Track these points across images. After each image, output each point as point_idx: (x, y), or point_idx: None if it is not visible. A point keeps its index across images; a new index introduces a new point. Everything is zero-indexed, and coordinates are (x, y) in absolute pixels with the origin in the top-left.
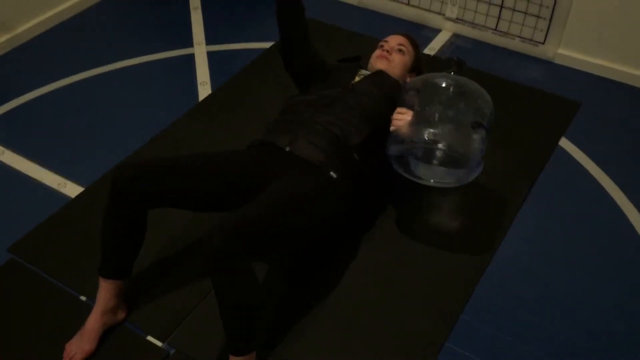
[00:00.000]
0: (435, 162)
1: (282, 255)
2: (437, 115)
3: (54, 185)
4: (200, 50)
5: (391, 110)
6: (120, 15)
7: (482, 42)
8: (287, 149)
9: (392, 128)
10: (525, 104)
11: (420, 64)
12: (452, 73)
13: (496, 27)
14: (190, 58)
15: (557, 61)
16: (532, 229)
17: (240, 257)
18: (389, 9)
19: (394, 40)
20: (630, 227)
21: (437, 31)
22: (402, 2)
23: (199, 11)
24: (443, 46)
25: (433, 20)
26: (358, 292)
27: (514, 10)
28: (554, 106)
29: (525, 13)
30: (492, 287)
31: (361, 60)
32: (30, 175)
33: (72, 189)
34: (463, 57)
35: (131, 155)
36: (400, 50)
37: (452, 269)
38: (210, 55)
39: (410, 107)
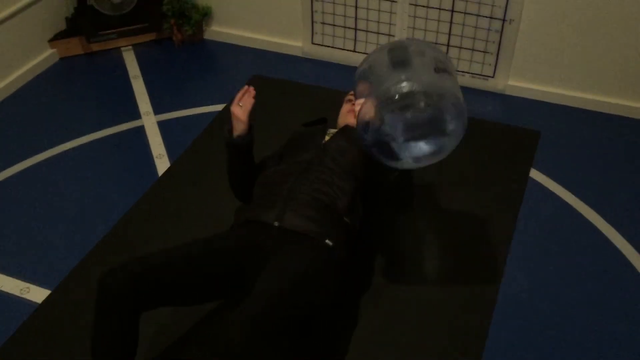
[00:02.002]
0: (412, 123)
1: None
2: (396, 71)
3: (16, 292)
4: (149, 121)
5: (367, 163)
6: (57, 92)
7: None
8: (276, 224)
9: (356, 115)
10: (488, 138)
11: None
12: None
13: None
14: (140, 130)
15: (508, 92)
16: (524, 262)
17: (261, 346)
18: (335, 57)
19: None
20: (616, 250)
21: None
22: (347, 50)
23: (140, 80)
24: None
25: None
26: (370, 352)
27: (460, 47)
28: (515, 138)
29: (472, 50)
30: (503, 328)
31: (327, 122)
32: None
33: (37, 294)
34: None
35: (99, 244)
36: None
37: (459, 315)
38: (161, 124)
39: (364, 96)
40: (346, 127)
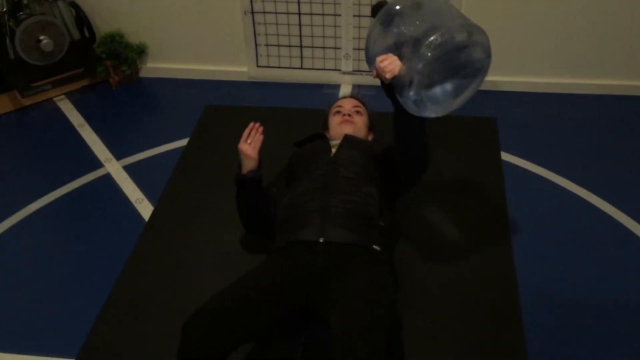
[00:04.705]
0: (445, 66)
1: None
2: (421, 31)
3: None
4: (113, 167)
5: (378, 165)
6: (4, 154)
7: None
8: (321, 240)
9: (387, 76)
10: (449, 132)
11: (372, 121)
12: None
13: None
14: (107, 178)
15: None
16: (524, 243)
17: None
18: (283, 76)
19: (349, 104)
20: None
21: (337, 87)
22: (295, 67)
23: (87, 127)
24: None
25: (331, 77)
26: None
27: None
28: (476, 126)
29: None
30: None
31: (324, 137)
32: None
33: None
34: (368, 103)
35: (111, 297)
36: (358, 112)
37: (488, 312)
38: (128, 169)
39: (385, 52)
40: (348, 137)
